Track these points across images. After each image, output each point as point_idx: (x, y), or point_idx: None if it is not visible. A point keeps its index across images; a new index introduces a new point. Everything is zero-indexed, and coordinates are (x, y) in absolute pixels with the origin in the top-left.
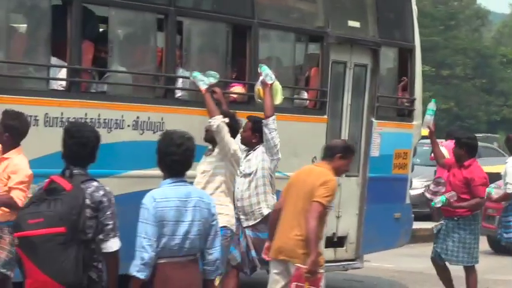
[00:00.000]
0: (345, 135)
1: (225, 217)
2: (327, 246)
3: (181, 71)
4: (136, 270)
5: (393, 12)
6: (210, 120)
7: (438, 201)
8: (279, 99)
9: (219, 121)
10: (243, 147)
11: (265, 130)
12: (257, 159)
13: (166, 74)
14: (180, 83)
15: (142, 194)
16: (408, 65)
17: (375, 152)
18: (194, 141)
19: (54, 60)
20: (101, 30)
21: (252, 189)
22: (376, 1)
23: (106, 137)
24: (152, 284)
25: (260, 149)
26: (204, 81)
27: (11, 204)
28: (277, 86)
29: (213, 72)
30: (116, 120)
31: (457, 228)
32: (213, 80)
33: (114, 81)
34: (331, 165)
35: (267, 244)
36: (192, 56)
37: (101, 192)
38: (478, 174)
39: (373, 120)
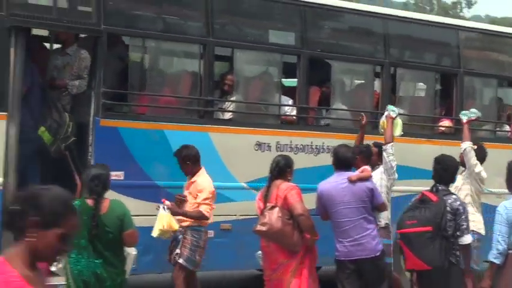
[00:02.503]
0: None
1: (472, 223)
2: None
3: None
4: (493, 257)
5: None
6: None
7: None
8: (398, 132)
9: (466, 145)
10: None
11: (384, 154)
12: (376, 177)
13: (381, 111)
14: None
15: None
16: None
17: None
18: None
19: (284, 100)
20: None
21: None
22: None
23: (329, 160)
24: (504, 268)
25: (379, 169)
26: (395, 111)
27: (201, 216)
28: (398, 121)
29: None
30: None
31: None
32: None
33: (336, 116)
34: None
35: None
36: (404, 97)
37: (458, 203)
38: None
39: None
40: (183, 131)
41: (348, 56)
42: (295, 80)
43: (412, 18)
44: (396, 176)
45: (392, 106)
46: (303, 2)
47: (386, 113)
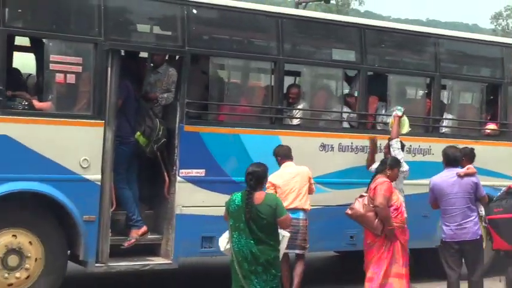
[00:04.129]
0: None
1: None
2: None
3: (445, 115)
4: None
5: None
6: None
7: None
8: (405, 129)
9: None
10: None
11: (391, 149)
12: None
13: (434, 117)
14: (445, 122)
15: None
16: None
17: None
18: None
19: (346, 109)
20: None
21: None
22: None
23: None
24: None
25: None
26: (401, 109)
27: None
28: (405, 119)
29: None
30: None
31: None
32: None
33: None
34: None
35: None
36: (453, 105)
37: None
38: None
39: None
40: (257, 135)
41: (403, 69)
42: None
43: (461, 37)
44: (406, 167)
45: (399, 106)
46: (364, 24)
47: (394, 112)
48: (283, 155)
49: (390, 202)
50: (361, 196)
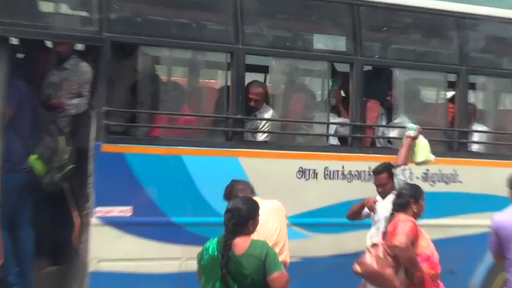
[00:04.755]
0: None
1: None
2: None
3: (476, 126)
4: None
5: None
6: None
7: None
8: (421, 157)
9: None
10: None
11: (394, 180)
12: (383, 207)
13: (461, 129)
14: (475, 136)
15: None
16: None
17: None
18: None
19: (334, 119)
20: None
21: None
22: None
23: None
24: None
25: (389, 197)
26: (414, 129)
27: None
28: (422, 142)
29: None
30: None
31: None
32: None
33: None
34: None
35: None
36: (487, 111)
37: None
38: None
39: None
40: (206, 157)
41: (415, 63)
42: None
43: (497, 16)
44: None
45: (412, 124)
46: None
47: (406, 132)
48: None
49: (417, 249)
50: (374, 246)
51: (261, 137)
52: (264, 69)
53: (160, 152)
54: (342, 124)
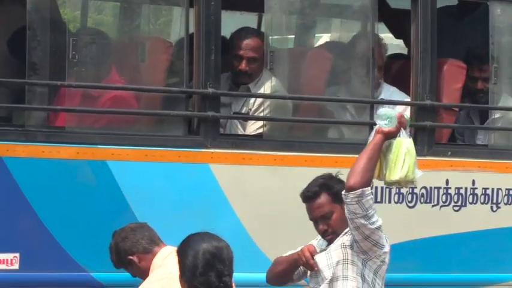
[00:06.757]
0: None
1: None
2: None
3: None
4: None
5: None
6: None
7: None
8: (395, 173)
9: None
10: None
11: (345, 208)
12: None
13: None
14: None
15: None
16: None
17: None
18: None
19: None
20: None
21: None
22: None
23: None
24: None
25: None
26: (391, 118)
27: None
28: (402, 146)
29: None
30: None
31: None
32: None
33: None
34: None
35: None
36: None
37: None
38: None
39: None
40: (152, 163)
41: None
42: None
43: None
44: (386, 248)
45: (387, 109)
46: None
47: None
48: (148, 240)
49: None
50: None
51: (253, 127)
52: (257, 7)
53: (68, 154)
54: (396, 103)
